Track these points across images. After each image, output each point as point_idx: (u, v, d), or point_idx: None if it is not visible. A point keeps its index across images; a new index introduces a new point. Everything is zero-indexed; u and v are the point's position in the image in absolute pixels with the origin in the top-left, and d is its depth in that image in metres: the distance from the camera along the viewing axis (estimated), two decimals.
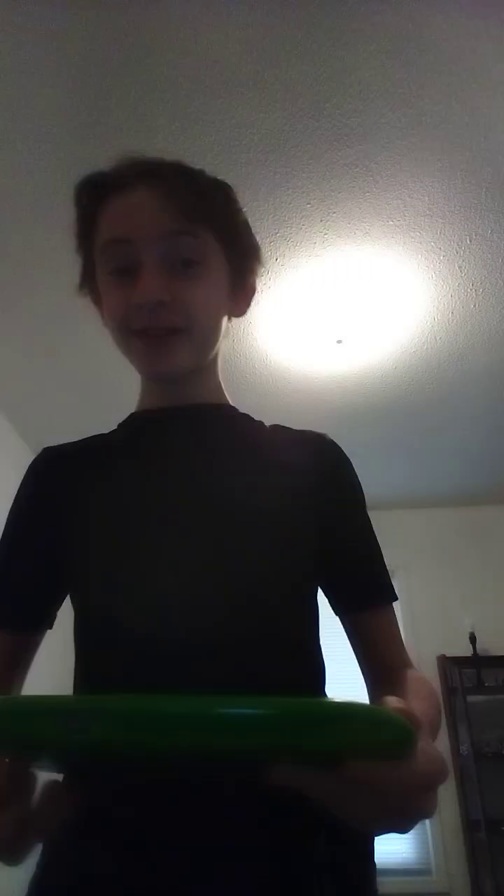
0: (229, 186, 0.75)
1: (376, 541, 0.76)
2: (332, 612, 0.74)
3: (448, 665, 3.68)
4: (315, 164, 1.88)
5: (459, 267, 2.29)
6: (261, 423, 0.79)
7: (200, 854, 0.52)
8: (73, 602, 0.70)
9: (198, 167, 0.75)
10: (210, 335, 0.72)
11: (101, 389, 2.92)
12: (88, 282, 0.77)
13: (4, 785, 0.37)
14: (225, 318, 0.75)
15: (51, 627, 0.74)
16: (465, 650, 3.65)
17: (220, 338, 0.75)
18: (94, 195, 0.71)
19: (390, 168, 1.91)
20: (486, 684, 3.56)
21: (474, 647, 3.63)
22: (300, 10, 1.52)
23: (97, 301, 0.77)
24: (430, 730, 0.48)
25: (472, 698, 3.50)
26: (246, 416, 0.80)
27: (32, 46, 1.57)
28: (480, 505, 4.12)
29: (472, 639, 3.64)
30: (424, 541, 4.03)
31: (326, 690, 0.67)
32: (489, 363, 2.80)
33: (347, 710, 0.35)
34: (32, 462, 0.77)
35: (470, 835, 3.34)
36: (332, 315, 2.47)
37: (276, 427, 0.79)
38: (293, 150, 1.84)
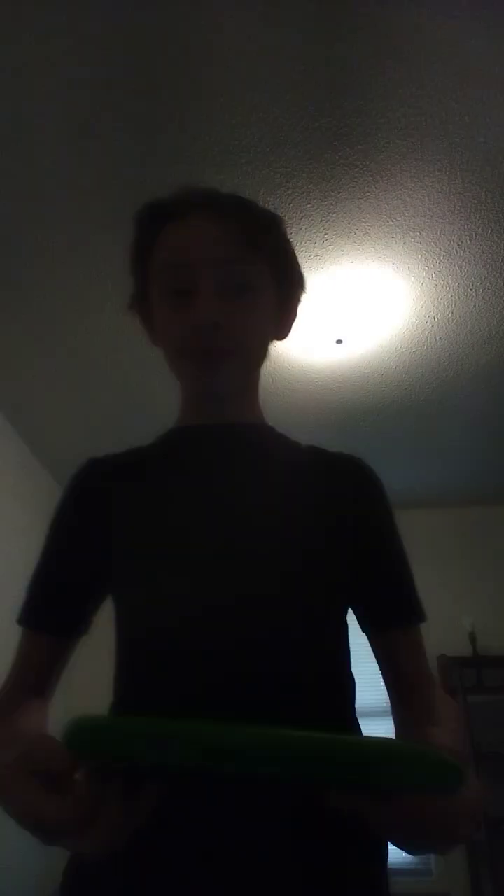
0: (281, 218, 0.80)
1: (408, 562, 0.78)
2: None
3: (448, 665, 3.68)
4: (315, 164, 1.88)
5: (459, 267, 2.29)
6: (296, 444, 0.82)
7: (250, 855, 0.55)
8: (115, 609, 0.72)
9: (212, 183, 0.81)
10: (257, 358, 0.77)
11: (101, 391, 2.92)
12: (139, 303, 0.81)
13: (95, 796, 0.42)
14: (270, 342, 0.79)
15: (86, 633, 0.76)
16: (465, 650, 3.65)
17: (265, 360, 0.79)
18: (153, 221, 0.75)
19: (390, 168, 1.91)
20: (486, 684, 3.56)
21: (474, 647, 3.63)
22: (300, 10, 1.52)
23: (146, 321, 0.81)
24: (458, 745, 0.54)
25: (472, 698, 3.50)
26: (283, 437, 0.82)
27: (32, 46, 1.56)
28: (480, 505, 4.12)
29: (472, 639, 3.64)
30: (424, 541, 4.02)
31: (355, 703, 0.69)
32: (489, 363, 2.80)
33: (413, 753, 0.41)
34: (77, 472, 0.80)
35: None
36: (332, 315, 2.47)
37: (311, 448, 0.82)
38: (293, 150, 1.84)
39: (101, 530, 0.73)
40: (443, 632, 3.76)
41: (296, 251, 0.82)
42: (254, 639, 0.62)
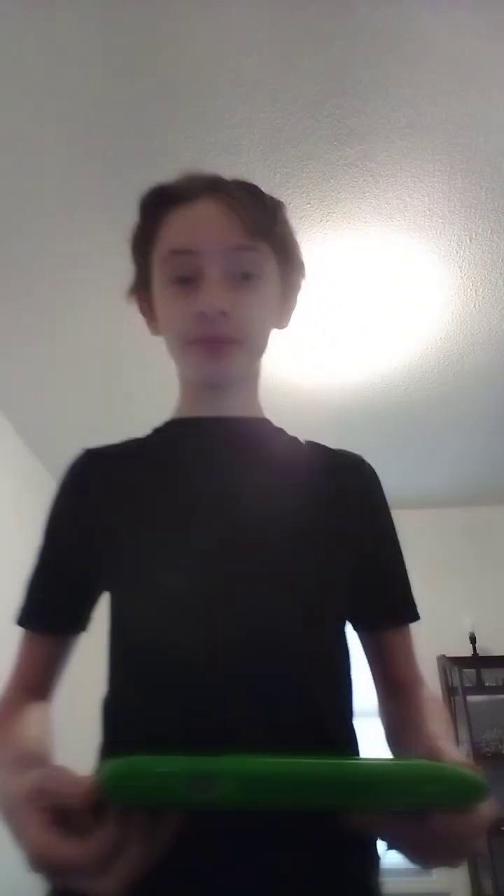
0: (284, 205, 0.78)
1: (404, 563, 0.78)
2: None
3: (448, 665, 3.68)
4: (315, 164, 1.88)
5: (459, 267, 2.29)
6: (295, 439, 0.81)
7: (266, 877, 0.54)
8: (110, 605, 0.71)
9: (205, 168, 0.76)
10: (260, 347, 0.76)
11: (101, 389, 2.92)
12: (139, 289, 0.79)
13: (120, 835, 0.40)
14: (272, 330, 0.78)
15: (85, 630, 0.75)
16: (465, 650, 3.65)
17: (265, 349, 0.78)
18: (159, 204, 0.74)
19: (390, 168, 1.91)
20: (486, 684, 3.56)
21: (474, 647, 3.63)
22: (300, 10, 1.52)
23: (146, 309, 0.80)
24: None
25: (472, 698, 3.50)
26: (281, 431, 0.81)
27: (32, 46, 1.57)
28: (480, 505, 4.12)
29: (472, 639, 3.64)
30: (424, 541, 4.02)
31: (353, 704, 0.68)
32: (489, 363, 2.80)
33: (439, 773, 0.42)
34: (72, 464, 0.78)
35: None
36: (332, 315, 2.47)
37: (311, 444, 0.81)
38: (293, 150, 1.84)
39: (97, 524, 0.72)
40: (443, 632, 3.76)
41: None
42: (251, 637, 0.61)
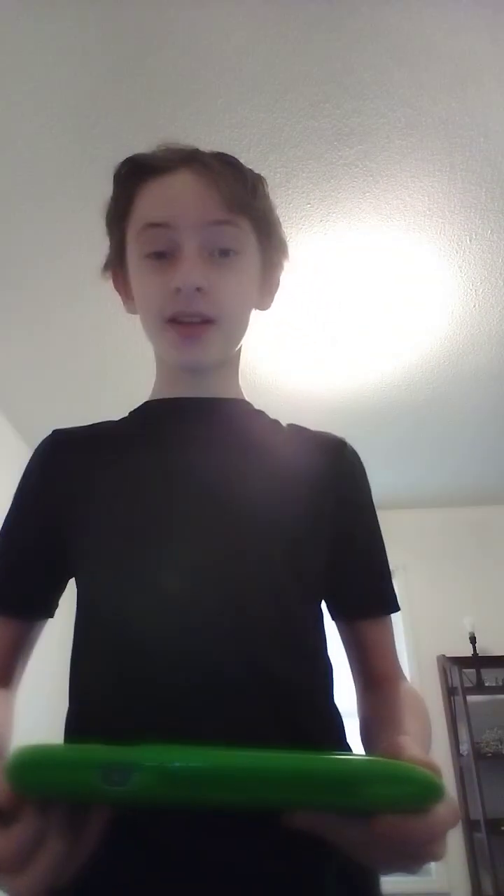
0: (265, 179, 0.75)
1: (384, 551, 0.75)
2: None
3: (448, 665, 3.68)
4: (315, 164, 1.88)
5: (459, 267, 2.29)
6: (276, 422, 0.78)
7: (216, 876, 0.51)
8: (77, 590, 0.68)
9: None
10: (239, 327, 0.72)
11: (99, 388, 2.92)
12: (115, 266, 0.76)
13: (39, 829, 0.37)
14: (251, 310, 0.75)
15: (51, 616, 0.72)
16: (465, 650, 3.65)
17: (245, 331, 0.74)
18: (134, 176, 0.70)
19: (390, 168, 1.91)
20: (486, 684, 3.56)
21: (474, 647, 3.63)
22: (300, 10, 1.52)
23: (120, 285, 0.77)
24: (425, 750, 0.49)
25: (472, 698, 3.50)
26: (262, 413, 0.78)
27: (32, 46, 1.57)
28: (480, 505, 4.12)
29: (472, 639, 3.64)
30: (424, 541, 4.03)
31: (334, 689, 0.65)
32: (489, 363, 2.80)
33: (383, 770, 0.38)
34: (40, 444, 0.75)
35: (470, 835, 3.34)
36: (331, 314, 2.47)
37: (293, 427, 0.78)
38: (293, 150, 1.84)
39: (62, 506, 0.69)
40: (443, 632, 3.77)
41: (286, 234, 0.79)
42: (218, 624, 0.58)
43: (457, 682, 3.54)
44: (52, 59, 1.59)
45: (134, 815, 0.39)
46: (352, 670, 0.72)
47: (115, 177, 0.72)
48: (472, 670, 3.58)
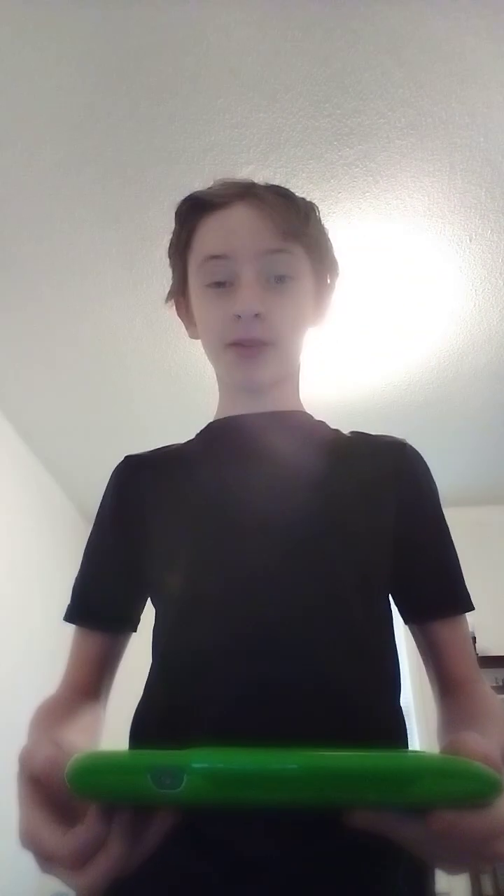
0: (317, 206, 0.80)
1: (454, 550, 0.76)
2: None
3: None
4: (315, 164, 1.88)
5: (459, 267, 2.29)
6: (337, 430, 0.81)
7: (280, 879, 0.52)
8: (153, 604, 0.72)
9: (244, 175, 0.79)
10: (295, 347, 0.77)
11: (101, 390, 2.92)
12: (177, 295, 0.81)
13: (100, 831, 0.38)
14: (307, 330, 0.79)
15: (135, 630, 0.76)
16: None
17: (302, 348, 0.79)
18: (193, 212, 0.76)
19: (390, 168, 1.91)
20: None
21: (474, 647, 3.63)
22: (300, 10, 1.52)
23: (183, 313, 0.82)
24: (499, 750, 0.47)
25: None
26: (322, 423, 0.82)
27: (32, 46, 1.57)
28: (481, 505, 4.12)
29: (472, 639, 3.64)
30: None
31: (399, 696, 0.66)
32: (489, 363, 2.80)
33: (435, 766, 0.37)
34: (115, 469, 0.80)
35: None
36: (330, 315, 2.47)
37: (354, 433, 0.81)
38: (293, 150, 1.84)
39: (138, 523, 0.73)
40: None
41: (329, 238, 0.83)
42: (286, 632, 0.60)
43: None
44: (52, 60, 1.59)
45: (201, 820, 0.41)
46: (428, 674, 0.72)
47: (176, 213, 0.78)
48: None
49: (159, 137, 1.79)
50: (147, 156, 1.83)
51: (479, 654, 3.61)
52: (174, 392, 2.84)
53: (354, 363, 2.78)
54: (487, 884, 3.21)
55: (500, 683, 3.58)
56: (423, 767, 0.37)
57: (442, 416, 3.19)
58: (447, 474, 3.78)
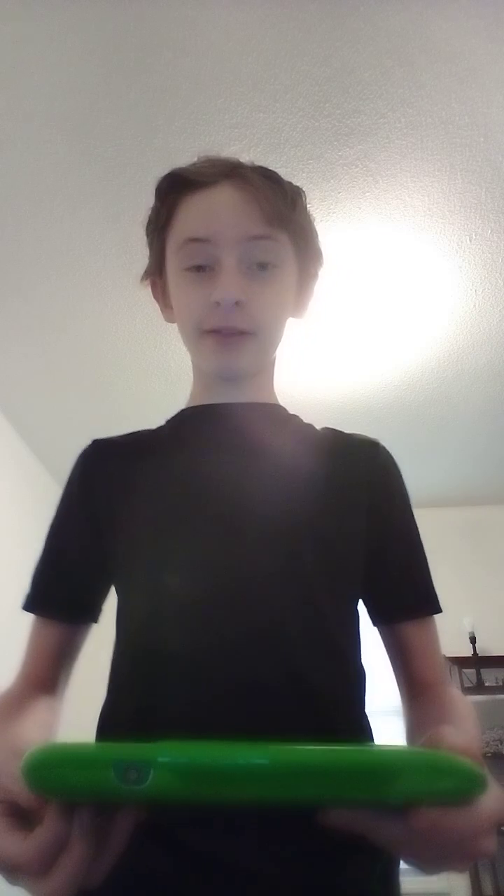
0: (303, 192, 0.76)
1: (423, 551, 0.75)
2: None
3: (448, 665, 3.68)
4: (315, 164, 1.88)
5: (459, 267, 2.29)
6: (310, 425, 0.79)
7: (247, 885, 0.51)
8: (115, 591, 0.69)
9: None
10: (274, 338, 0.74)
11: (101, 389, 2.92)
12: (154, 275, 0.78)
13: (61, 832, 0.36)
14: (287, 321, 0.76)
15: (95, 621, 0.73)
16: (464, 650, 3.64)
17: (281, 340, 0.76)
18: (175, 190, 0.72)
19: (390, 168, 1.91)
20: (486, 684, 3.56)
21: (474, 647, 3.63)
22: (300, 10, 1.52)
23: (159, 295, 0.79)
24: (473, 746, 0.46)
25: (471, 698, 3.49)
26: (296, 417, 0.80)
27: (32, 46, 1.57)
28: (480, 505, 4.12)
29: (472, 639, 3.64)
30: (424, 540, 4.02)
31: (366, 697, 0.65)
32: (489, 363, 2.80)
33: (416, 760, 0.35)
34: (81, 453, 0.77)
35: None
36: (330, 314, 2.47)
37: (327, 430, 0.79)
38: (293, 150, 1.84)
39: (100, 512, 0.70)
40: (443, 632, 3.73)
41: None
42: (251, 632, 0.58)
43: (457, 682, 3.54)
44: (52, 59, 1.59)
45: (165, 818, 0.38)
46: (395, 677, 0.71)
47: (156, 190, 0.74)
48: (472, 670, 3.58)
49: (159, 137, 1.79)
50: (147, 156, 1.83)
51: (479, 654, 3.61)
52: (173, 392, 2.83)
53: (354, 363, 2.78)
54: (487, 884, 3.21)
55: (500, 683, 3.58)
56: (406, 763, 0.35)
57: (442, 416, 3.19)
58: (447, 474, 3.78)
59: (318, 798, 0.35)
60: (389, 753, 0.35)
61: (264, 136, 1.79)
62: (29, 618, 0.72)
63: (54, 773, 0.34)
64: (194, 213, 0.70)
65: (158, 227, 0.74)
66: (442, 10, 1.52)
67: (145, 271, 0.79)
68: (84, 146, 1.80)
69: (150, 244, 0.77)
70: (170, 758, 0.34)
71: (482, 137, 1.83)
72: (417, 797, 0.34)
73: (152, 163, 1.85)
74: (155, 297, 0.80)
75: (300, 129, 1.79)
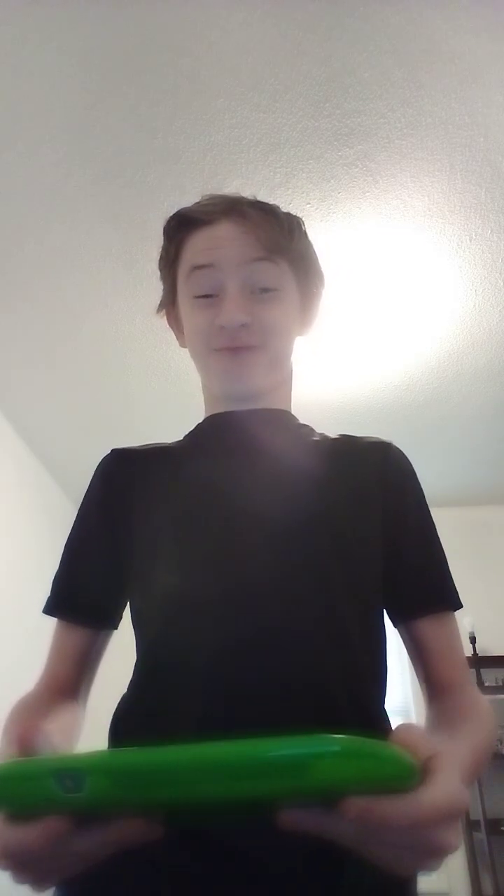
0: (301, 220, 0.83)
1: (441, 549, 0.75)
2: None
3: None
4: (315, 164, 1.88)
5: (459, 267, 2.29)
6: (323, 434, 0.82)
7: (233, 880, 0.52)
8: (136, 597, 0.71)
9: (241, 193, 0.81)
10: (282, 353, 0.77)
11: (101, 391, 2.92)
12: (168, 306, 0.83)
13: (52, 830, 0.37)
14: (295, 339, 0.80)
15: (115, 627, 0.75)
16: (465, 650, 3.65)
17: (291, 356, 0.80)
18: (180, 229, 0.78)
19: (390, 168, 1.91)
20: (486, 684, 3.56)
21: (474, 647, 3.63)
22: (300, 10, 1.52)
23: (173, 322, 0.84)
24: (463, 764, 0.45)
25: None
26: (308, 426, 0.83)
27: (32, 46, 1.57)
28: (480, 505, 4.12)
29: (472, 639, 3.64)
30: None
31: (386, 699, 0.65)
32: (489, 363, 2.80)
33: (334, 746, 0.34)
34: (102, 460, 0.80)
35: (470, 835, 3.34)
36: (330, 315, 2.47)
37: (341, 435, 0.82)
38: (293, 150, 1.84)
39: (123, 516, 0.73)
40: None
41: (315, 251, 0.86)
42: (266, 635, 0.59)
43: None
44: (52, 60, 1.59)
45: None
46: (417, 678, 0.71)
47: (164, 230, 0.80)
48: (472, 670, 3.58)
49: (159, 137, 1.79)
50: (147, 156, 1.83)
51: (479, 654, 3.61)
52: (174, 392, 2.84)
53: (354, 363, 2.78)
54: (487, 884, 3.21)
55: (500, 683, 3.58)
56: (320, 749, 0.34)
57: (442, 416, 3.19)
58: (447, 474, 3.78)
59: (251, 794, 0.35)
60: (305, 741, 0.35)
61: (264, 136, 1.79)
62: (37, 622, 0.74)
63: (2, 786, 0.37)
64: (199, 246, 0.75)
65: (168, 262, 0.80)
66: (442, 10, 1.52)
67: (160, 303, 0.85)
68: (84, 146, 1.80)
69: (163, 278, 0.83)
70: (100, 764, 0.35)
71: (482, 137, 1.83)
72: (342, 786, 0.34)
73: (152, 163, 1.85)
74: (170, 324, 0.85)
75: (300, 129, 1.79)
